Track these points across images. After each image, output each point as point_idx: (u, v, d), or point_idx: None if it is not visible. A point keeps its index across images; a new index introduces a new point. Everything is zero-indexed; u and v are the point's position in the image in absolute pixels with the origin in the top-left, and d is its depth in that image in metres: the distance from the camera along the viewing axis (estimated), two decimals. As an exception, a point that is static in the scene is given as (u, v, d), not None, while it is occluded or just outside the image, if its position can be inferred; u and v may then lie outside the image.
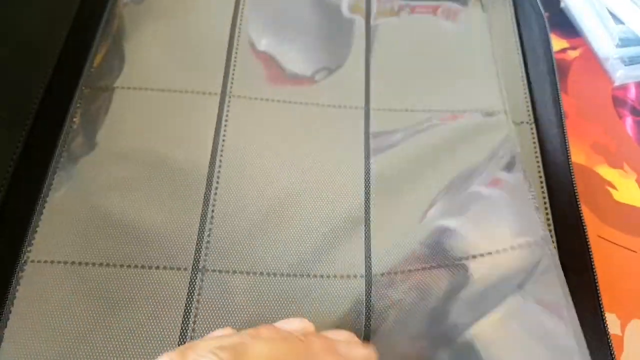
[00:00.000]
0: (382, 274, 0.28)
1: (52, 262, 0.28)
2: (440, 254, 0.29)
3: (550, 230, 0.31)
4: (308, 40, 0.38)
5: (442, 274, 0.28)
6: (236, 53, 0.36)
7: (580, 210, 0.32)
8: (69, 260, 0.28)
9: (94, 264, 0.28)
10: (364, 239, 0.30)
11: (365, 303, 0.28)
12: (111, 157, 0.31)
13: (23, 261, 0.28)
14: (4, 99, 0.32)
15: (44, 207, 0.29)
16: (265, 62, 0.36)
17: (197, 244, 0.29)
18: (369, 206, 0.31)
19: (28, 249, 0.28)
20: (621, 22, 0.40)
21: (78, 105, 0.33)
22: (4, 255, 0.28)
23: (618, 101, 0.41)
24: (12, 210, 0.30)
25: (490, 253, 0.28)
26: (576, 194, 0.32)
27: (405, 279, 0.28)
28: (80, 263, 0.28)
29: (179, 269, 0.28)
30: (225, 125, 0.33)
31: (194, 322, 0.27)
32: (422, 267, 0.28)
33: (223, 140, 0.32)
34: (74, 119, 0.33)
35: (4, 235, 0.29)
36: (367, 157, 0.33)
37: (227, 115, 0.33)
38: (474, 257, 0.28)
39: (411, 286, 0.28)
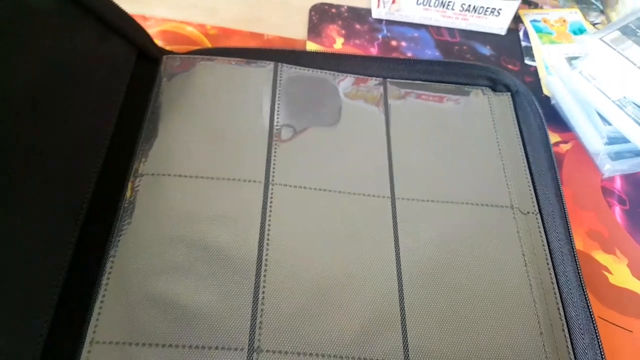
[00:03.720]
0: None
1: (116, 343, 0.30)
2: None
3: (559, 314, 0.35)
4: (337, 132, 0.42)
5: None
6: (275, 147, 0.40)
7: (587, 295, 0.36)
8: (128, 341, 0.30)
9: (149, 345, 0.30)
10: (400, 325, 0.33)
11: None
12: (163, 243, 0.34)
13: (89, 342, 0.30)
14: (61, 187, 0.34)
15: (106, 291, 0.32)
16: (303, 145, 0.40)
17: (251, 324, 0.31)
18: (402, 295, 0.34)
19: (94, 329, 0.30)
20: (609, 124, 0.45)
21: (130, 192, 0.36)
22: (68, 336, 0.30)
23: (607, 191, 0.46)
24: (73, 291, 0.32)
25: None
26: (582, 281, 0.36)
27: None
28: (137, 344, 0.30)
29: (235, 349, 0.30)
30: (270, 212, 0.36)
31: None
32: None
33: (269, 226, 0.35)
34: (127, 207, 0.35)
35: (67, 316, 0.31)
36: (396, 244, 0.36)
37: (271, 203, 0.36)
38: None
39: None
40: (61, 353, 0.30)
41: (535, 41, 0.56)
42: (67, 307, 0.31)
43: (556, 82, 0.50)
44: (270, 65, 0.44)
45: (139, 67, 0.44)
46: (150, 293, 0.32)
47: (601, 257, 0.42)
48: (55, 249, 0.32)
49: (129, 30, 0.43)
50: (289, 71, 0.44)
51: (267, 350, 0.31)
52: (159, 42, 0.49)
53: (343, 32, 0.54)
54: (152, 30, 0.50)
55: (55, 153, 0.34)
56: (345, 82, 0.45)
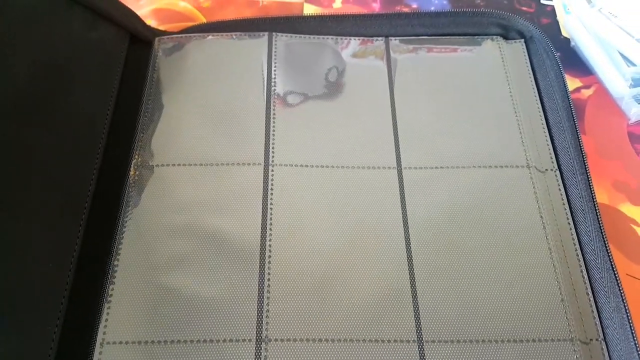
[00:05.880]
0: (434, 341, 0.31)
1: (126, 342, 0.30)
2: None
3: (582, 277, 0.34)
4: (338, 98, 0.40)
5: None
6: (274, 121, 0.38)
7: (611, 255, 0.34)
8: (138, 340, 0.30)
9: (159, 342, 0.30)
10: (412, 303, 0.32)
11: None
12: (166, 236, 0.33)
13: (99, 343, 0.30)
14: (62, 186, 0.33)
15: (112, 289, 0.31)
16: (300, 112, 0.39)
17: (257, 314, 0.31)
18: (412, 272, 0.33)
19: (103, 330, 0.30)
20: (633, 64, 0.42)
21: (131, 186, 0.35)
22: (80, 337, 0.31)
23: (634, 137, 0.43)
24: (80, 293, 0.32)
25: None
26: (605, 240, 0.34)
27: (460, 349, 0.30)
28: (147, 342, 0.30)
29: (243, 340, 0.30)
30: (271, 194, 0.35)
31: None
32: (476, 340, 0.31)
33: (270, 209, 0.35)
34: (128, 201, 0.35)
35: (76, 317, 0.31)
36: (404, 218, 0.35)
37: (272, 185, 0.35)
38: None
39: (467, 356, 0.30)
40: (74, 355, 0.30)
41: (551, -23, 0.51)
42: (78, 307, 0.31)
43: (575, 22, 0.46)
44: (264, 36, 0.42)
45: (132, 52, 0.43)
46: (156, 289, 0.32)
47: (628, 209, 0.39)
48: (60, 249, 0.32)
49: (118, 15, 0.41)
50: (284, 40, 0.42)
51: (276, 339, 0.30)
52: (152, 22, 0.48)
53: (342, -12, 0.51)
54: (144, 9, 0.49)
55: (54, 152, 0.33)
56: (348, 49, 0.43)
